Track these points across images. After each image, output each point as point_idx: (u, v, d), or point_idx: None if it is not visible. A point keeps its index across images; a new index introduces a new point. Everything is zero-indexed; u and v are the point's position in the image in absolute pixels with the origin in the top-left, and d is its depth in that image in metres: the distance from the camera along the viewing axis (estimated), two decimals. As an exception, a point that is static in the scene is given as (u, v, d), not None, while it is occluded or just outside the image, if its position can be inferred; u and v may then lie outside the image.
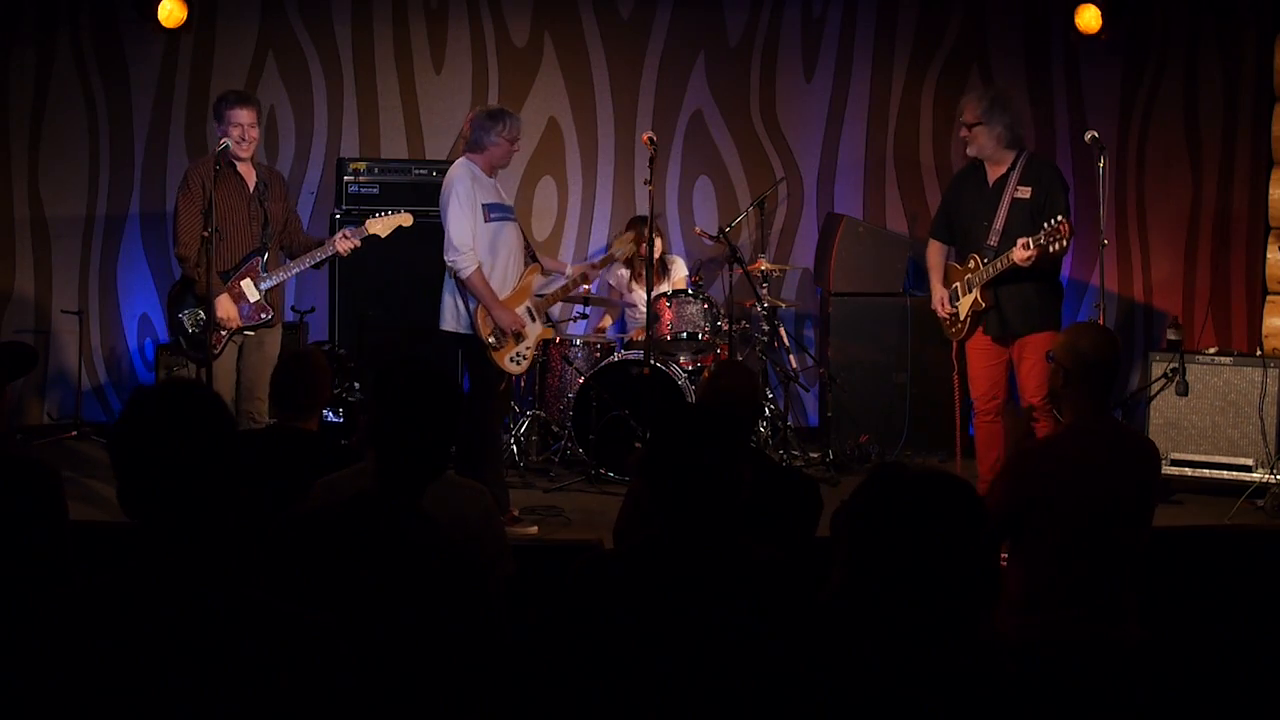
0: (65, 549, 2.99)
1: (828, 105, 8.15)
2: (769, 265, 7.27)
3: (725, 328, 6.94)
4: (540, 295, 6.08)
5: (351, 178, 7.22)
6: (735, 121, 8.12)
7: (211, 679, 1.95)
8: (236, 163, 5.91)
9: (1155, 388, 6.48)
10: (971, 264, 5.81)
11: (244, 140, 5.86)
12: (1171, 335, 6.96)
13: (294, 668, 1.98)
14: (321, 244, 6.05)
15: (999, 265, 5.64)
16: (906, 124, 8.16)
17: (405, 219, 6.15)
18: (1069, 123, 8.11)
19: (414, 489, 2.80)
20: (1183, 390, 6.37)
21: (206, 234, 5.53)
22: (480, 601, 2.72)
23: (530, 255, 6.09)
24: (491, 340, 5.74)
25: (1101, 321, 5.44)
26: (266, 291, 5.91)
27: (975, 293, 5.74)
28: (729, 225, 7.10)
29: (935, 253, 6.09)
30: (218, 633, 1.98)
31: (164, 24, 7.51)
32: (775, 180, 8.03)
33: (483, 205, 5.67)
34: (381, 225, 6.08)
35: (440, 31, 8.02)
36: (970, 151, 5.83)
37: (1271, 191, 7.51)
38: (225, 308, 5.80)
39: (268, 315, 5.91)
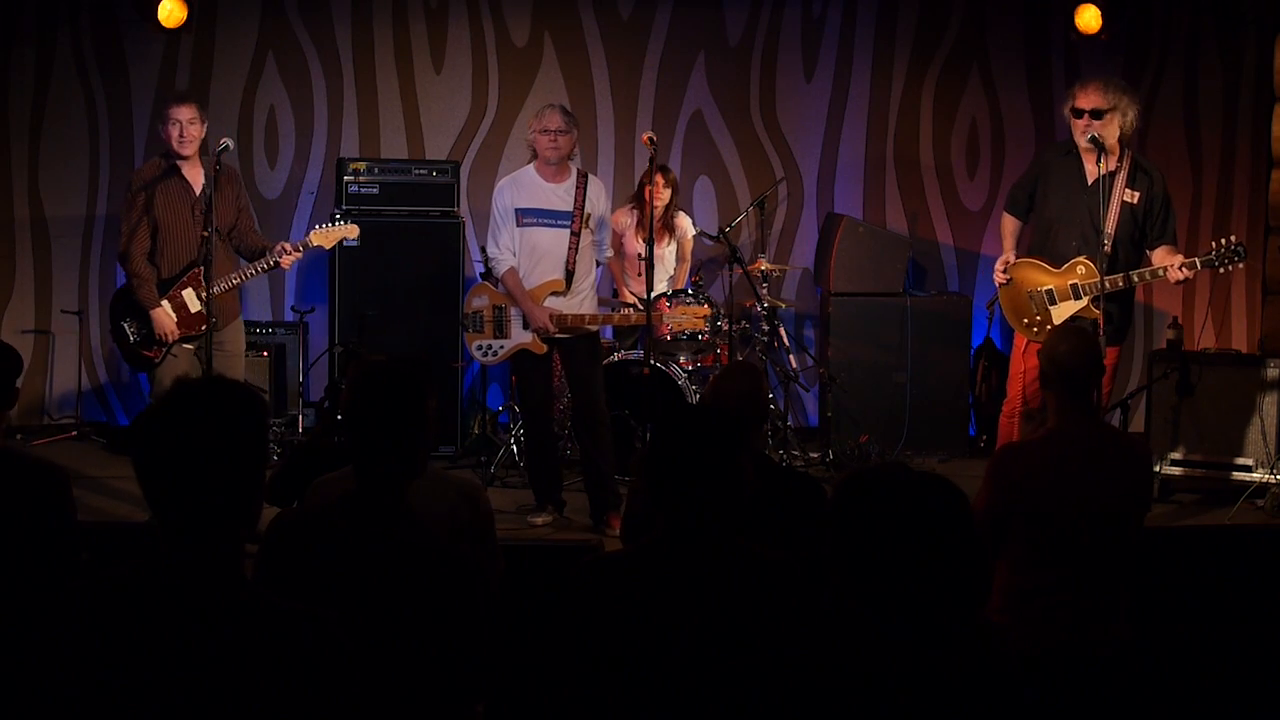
0: (74, 550, 3.00)
1: (828, 105, 8.15)
2: (769, 265, 7.26)
3: (725, 328, 6.94)
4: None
5: (351, 178, 7.22)
6: (735, 121, 8.12)
7: (218, 676, 1.96)
8: (181, 165, 5.77)
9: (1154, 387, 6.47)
10: (1081, 270, 5.51)
11: (184, 139, 5.71)
12: (1171, 335, 6.96)
13: (301, 665, 1.98)
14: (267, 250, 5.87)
15: (1138, 279, 5.34)
16: (906, 124, 8.16)
17: (351, 231, 6.02)
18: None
19: (392, 488, 2.79)
20: (1184, 391, 6.36)
21: (206, 234, 5.48)
22: (469, 598, 2.72)
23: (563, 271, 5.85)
24: (465, 321, 5.97)
25: (1101, 322, 5.43)
26: (212, 298, 5.61)
27: (1086, 301, 5.49)
28: (729, 225, 7.10)
29: (1011, 224, 5.85)
30: (225, 629, 1.99)
31: (164, 24, 7.50)
32: (775, 180, 8.02)
33: (516, 210, 5.83)
34: (324, 237, 5.95)
35: (440, 31, 8.01)
36: (1083, 140, 5.47)
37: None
38: (162, 322, 5.72)
39: (216, 321, 5.66)
